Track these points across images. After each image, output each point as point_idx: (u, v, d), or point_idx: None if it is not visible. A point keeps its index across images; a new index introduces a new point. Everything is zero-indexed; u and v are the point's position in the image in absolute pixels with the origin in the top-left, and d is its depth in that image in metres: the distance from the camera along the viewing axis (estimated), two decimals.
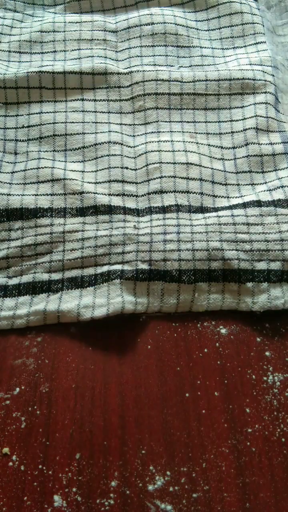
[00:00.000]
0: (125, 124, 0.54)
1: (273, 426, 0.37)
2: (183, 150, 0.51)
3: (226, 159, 0.52)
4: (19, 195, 0.48)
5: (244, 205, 0.47)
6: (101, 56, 0.59)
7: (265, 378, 0.40)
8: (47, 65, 0.57)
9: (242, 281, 0.43)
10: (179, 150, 0.51)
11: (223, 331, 0.43)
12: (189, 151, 0.51)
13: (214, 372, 0.40)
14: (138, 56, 0.59)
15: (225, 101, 0.55)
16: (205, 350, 0.42)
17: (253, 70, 0.56)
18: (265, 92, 0.54)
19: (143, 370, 0.41)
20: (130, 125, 0.54)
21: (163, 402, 0.39)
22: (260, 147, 0.51)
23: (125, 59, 0.59)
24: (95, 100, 0.55)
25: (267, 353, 0.41)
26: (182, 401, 0.39)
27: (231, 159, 0.52)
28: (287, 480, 0.35)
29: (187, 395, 0.39)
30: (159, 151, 0.51)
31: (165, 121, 0.54)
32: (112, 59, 0.59)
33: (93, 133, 0.53)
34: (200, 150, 0.52)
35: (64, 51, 0.60)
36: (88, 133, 0.53)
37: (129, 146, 0.53)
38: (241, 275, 0.43)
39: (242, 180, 0.50)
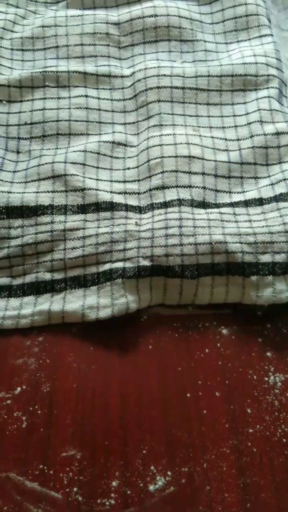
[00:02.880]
0: (129, 123, 0.54)
1: (274, 426, 0.37)
2: (186, 143, 0.50)
3: (231, 150, 0.51)
4: (19, 193, 0.48)
5: (246, 204, 0.47)
6: (104, 56, 0.58)
7: (266, 379, 0.40)
8: (50, 66, 0.57)
9: (246, 274, 0.42)
10: (181, 143, 0.50)
11: (225, 331, 0.42)
12: (191, 143, 0.50)
13: (215, 373, 0.40)
14: (141, 54, 0.58)
15: (227, 97, 0.54)
16: (206, 350, 0.41)
17: (256, 64, 0.55)
18: (267, 88, 0.53)
19: (144, 370, 0.40)
20: (133, 123, 0.54)
21: (164, 402, 0.39)
22: (265, 138, 0.50)
23: (129, 57, 0.59)
24: (98, 98, 0.55)
25: (268, 354, 0.41)
26: (183, 401, 0.39)
27: (236, 150, 0.51)
28: None
29: (188, 395, 0.39)
30: (160, 145, 0.50)
31: (168, 113, 0.53)
32: (116, 58, 0.59)
33: (97, 134, 0.53)
34: (203, 142, 0.51)
35: (67, 46, 0.59)
36: (92, 134, 0.53)
37: (132, 146, 0.52)
38: (245, 268, 0.42)
39: (245, 173, 0.49)
